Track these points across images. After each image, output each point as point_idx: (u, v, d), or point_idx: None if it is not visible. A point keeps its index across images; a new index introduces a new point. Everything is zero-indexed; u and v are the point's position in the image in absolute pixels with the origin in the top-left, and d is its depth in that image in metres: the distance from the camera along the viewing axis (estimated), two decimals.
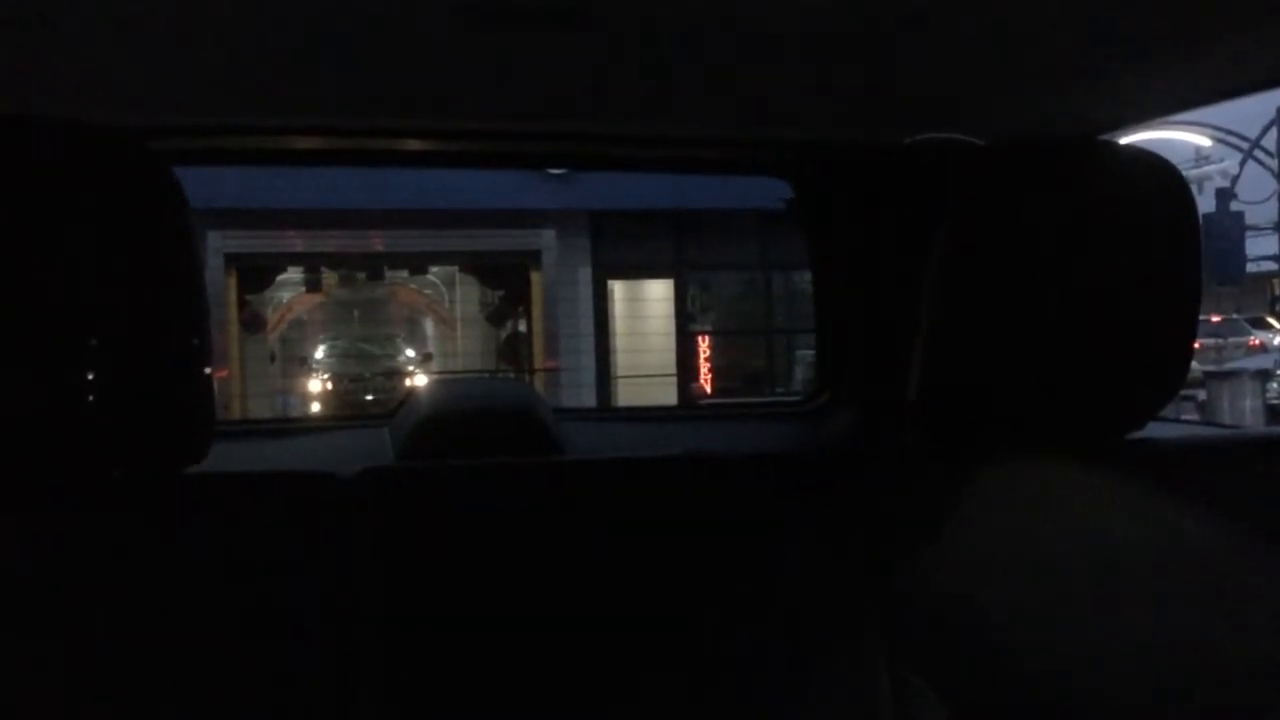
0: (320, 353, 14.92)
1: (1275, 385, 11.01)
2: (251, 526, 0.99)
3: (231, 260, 11.73)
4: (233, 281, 12.10)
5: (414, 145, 1.63)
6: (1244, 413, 10.15)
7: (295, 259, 13.01)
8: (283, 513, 1.01)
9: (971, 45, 1.16)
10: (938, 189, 1.18)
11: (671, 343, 12.84)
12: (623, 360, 12.76)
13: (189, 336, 0.92)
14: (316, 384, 13.87)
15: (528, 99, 1.36)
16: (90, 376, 0.87)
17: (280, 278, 13.84)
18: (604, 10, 1.03)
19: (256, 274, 12.75)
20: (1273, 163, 10.32)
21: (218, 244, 11.04)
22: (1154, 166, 1.09)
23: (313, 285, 14.02)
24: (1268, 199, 10.71)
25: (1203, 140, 11.28)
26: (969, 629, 1.01)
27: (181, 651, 0.92)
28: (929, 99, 1.37)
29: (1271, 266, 11.87)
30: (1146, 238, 1.06)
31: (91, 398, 0.87)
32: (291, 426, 2.31)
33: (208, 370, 0.94)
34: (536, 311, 12.68)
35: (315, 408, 13.19)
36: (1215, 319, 15.09)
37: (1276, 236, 10.68)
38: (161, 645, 0.92)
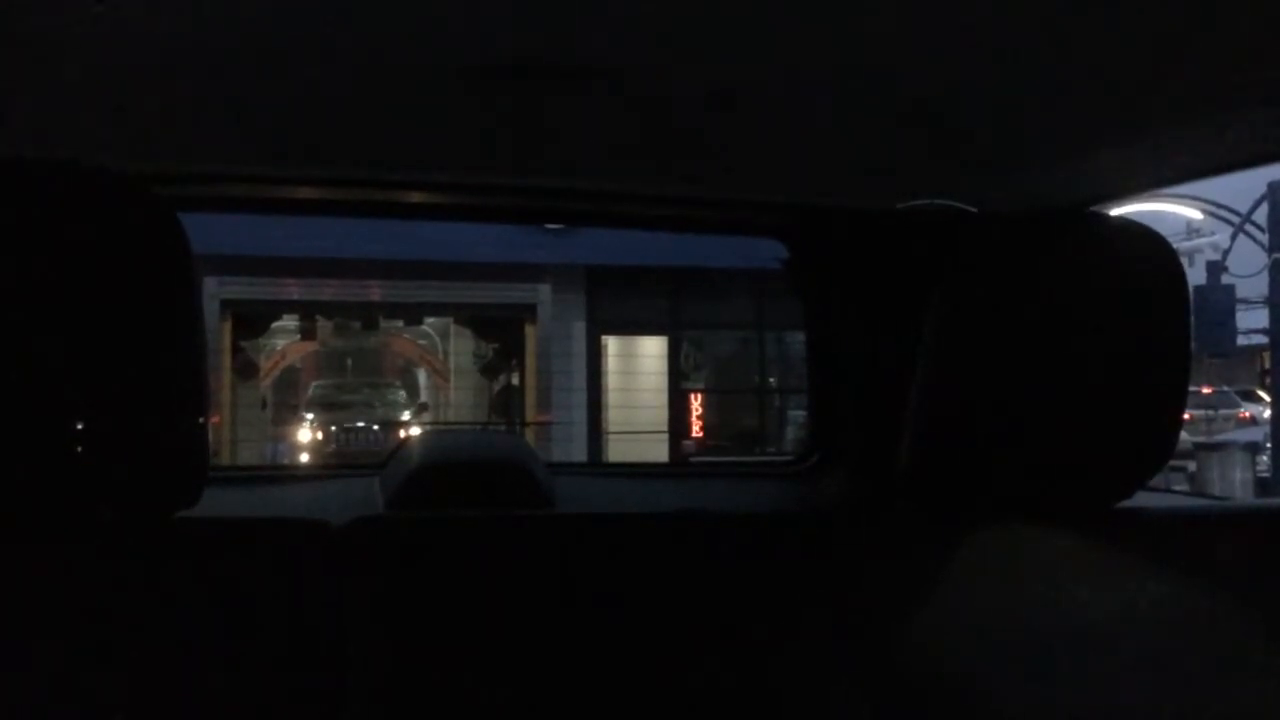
0: (311, 401, 14.80)
1: (1265, 458, 11.01)
2: (242, 572, 0.98)
3: (228, 306, 11.74)
4: (228, 327, 12.10)
5: (416, 197, 1.65)
6: (1234, 485, 10.14)
7: (291, 307, 13.02)
8: (274, 559, 1.00)
9: (968, 117, 1.18)
10: (932, 255, 1.19)
11: (664, 399, 12.83)
12: (615, 416, 12.73)
13: (187, 381, 0.92)
14: (306, 433, 13.75)
15: (529, 155, 1.37)
16: (86, 416, 0.87)
17: (274, 325, 13.83)
18: (607, 75, 1.05)
19: (252, 321, 12.75)
20: (1263, 238, 10.41)
21: (214, 290, 11.03)
22: (1144, 238, 1.10)
23: (307, 333, 14.00)
24: (1258, 273, 10.77)
25: (1195, 214, 11.38)
26: (954, 695, 1.00)
27: (169, 695, 0.91)
28: (925, 167, 1.39)
29: (1261, 340, 11.90)
30: (1136, 308, 1.07)
31: (86, 437, 0.87)
32: (282, 474, 2.30)
33: (204, 416, 0.93)
34: (530, 365, 12.68)
35: (304, 458, 13.07)
36: (1206, 391, 15.13)
37: (1267, 310, 10.71)
38: (149, 687, 0.91)
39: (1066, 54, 0.99)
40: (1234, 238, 10.94)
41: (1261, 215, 10.30)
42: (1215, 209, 10.66)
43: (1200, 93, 1.08)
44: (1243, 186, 10.13)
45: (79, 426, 0.87)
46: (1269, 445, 11.05)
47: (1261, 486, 10.50)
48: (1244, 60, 0.99)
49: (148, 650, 0.92)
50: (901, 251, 1.55)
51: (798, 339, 12.20)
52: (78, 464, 0.88)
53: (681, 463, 10.45)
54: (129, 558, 0.95)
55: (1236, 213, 10.63)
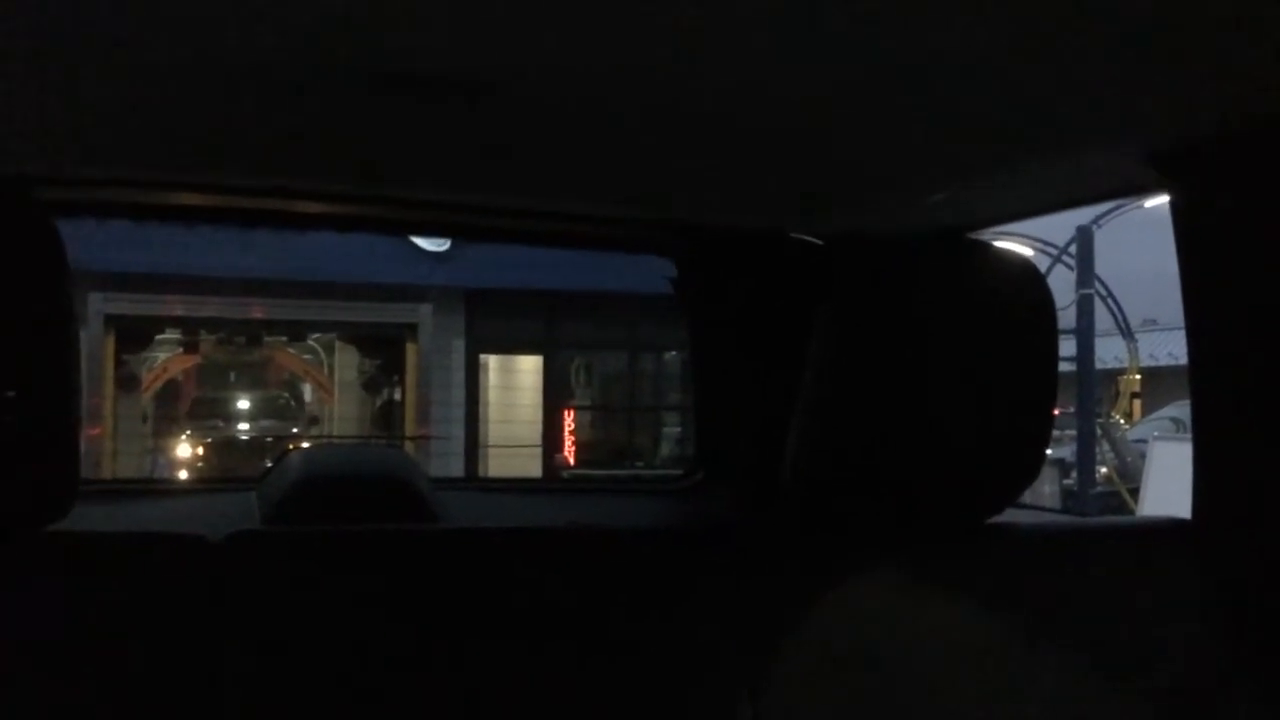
0: (192, 413, 14.19)
1: (1075, 474, 11.45)
2: (116, 587, 0.90)
3: (111, 321, 11.24)
4: (111, 341, 11.58)
5: (297, 206, 1.54)
6: (1043, 496, 10.52)
7: (175, 322, 12.54)
8: (149, 574, 0.92)
9: (839, 148, 1.16)
10: (816, 277, 1.16)
11: (540, 415, 12.76)
12: (493, 431, 12.61)
13: (57, 390, 0.84)
14: (186, 447, 13.18)
15: (416, 167, 1.30)
16: None
17: (157, 338, 13.29)
18: (501, 87, 0.99)
19: (135, 335, 12.22)
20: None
21: (98, 306, 10.58)
22: (1015, 264, 1.10)
23: (190, 347, 13.51)
24: (1067, 307, 11.24)
25: (1027, 250, 11.78)
26: (836, 706, 0.97)
27: (38, 713, 0.83)
28: (805, 192, 1.37)
29: (1069, 368, 12.42)
30: (1008, 331, 1.06)
31: None
32: (157, 487, 2.15)
33: (75, 426, 0.86)
34: (411, 381, 12.48)
35: (183, 474, 12.49)
36: (1056, 412, 15.66)
37: (1074, 339, 11.19)
38: (16, 707, 0.82)
39: (919, 99, 0.98)
40: (1049, 270, 11.37)
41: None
42: (1044, 246, 11.08)
43: (1041, 136, 1.08)
44: (1071, 224, 10.55)
45: None
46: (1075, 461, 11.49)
47: (1067, 497, 10.91)
48: (1081, 106, 0.99)
49: (15, 669, 0.83)
50: (786, 273, 1.53)
51: (671, 359, 12.28)
52: None
53: (566, 479, 10.37)
54: None
55: (1056, 246, 11.08)
